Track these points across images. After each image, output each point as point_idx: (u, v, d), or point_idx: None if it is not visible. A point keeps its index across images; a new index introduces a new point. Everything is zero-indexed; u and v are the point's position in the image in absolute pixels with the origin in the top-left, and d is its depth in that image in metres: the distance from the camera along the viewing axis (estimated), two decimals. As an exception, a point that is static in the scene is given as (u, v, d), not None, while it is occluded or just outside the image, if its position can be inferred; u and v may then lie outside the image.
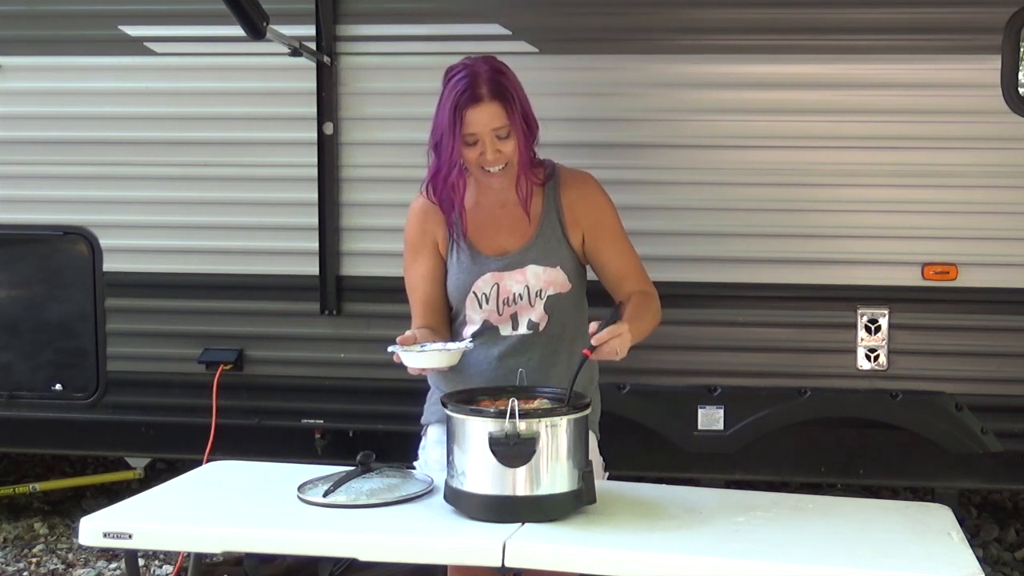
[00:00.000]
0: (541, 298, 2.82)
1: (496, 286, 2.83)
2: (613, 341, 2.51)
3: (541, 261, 2.83)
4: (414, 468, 2.86)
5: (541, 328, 2.84)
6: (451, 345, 2.69)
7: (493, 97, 2.68)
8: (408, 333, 2.67)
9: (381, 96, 3.89)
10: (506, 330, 2.84)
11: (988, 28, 3.63)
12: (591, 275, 2.94)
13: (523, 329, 2.84)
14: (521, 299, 2.83)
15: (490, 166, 2.73)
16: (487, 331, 2.84)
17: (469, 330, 2.86)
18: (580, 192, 2.87)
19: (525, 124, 2.75)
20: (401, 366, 2.63)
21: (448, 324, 2.91)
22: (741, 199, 3.76)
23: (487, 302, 2.84)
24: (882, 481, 4.24)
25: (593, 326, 2.55)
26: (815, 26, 3.71)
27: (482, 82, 2.68)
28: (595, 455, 2.81)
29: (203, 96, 3.97)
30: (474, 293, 2.84)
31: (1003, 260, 3.69)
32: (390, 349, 2.60)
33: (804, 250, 3.76)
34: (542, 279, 2.83)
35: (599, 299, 2.90)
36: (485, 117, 2.68)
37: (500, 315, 2.84)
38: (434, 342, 2.71)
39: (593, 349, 2.52)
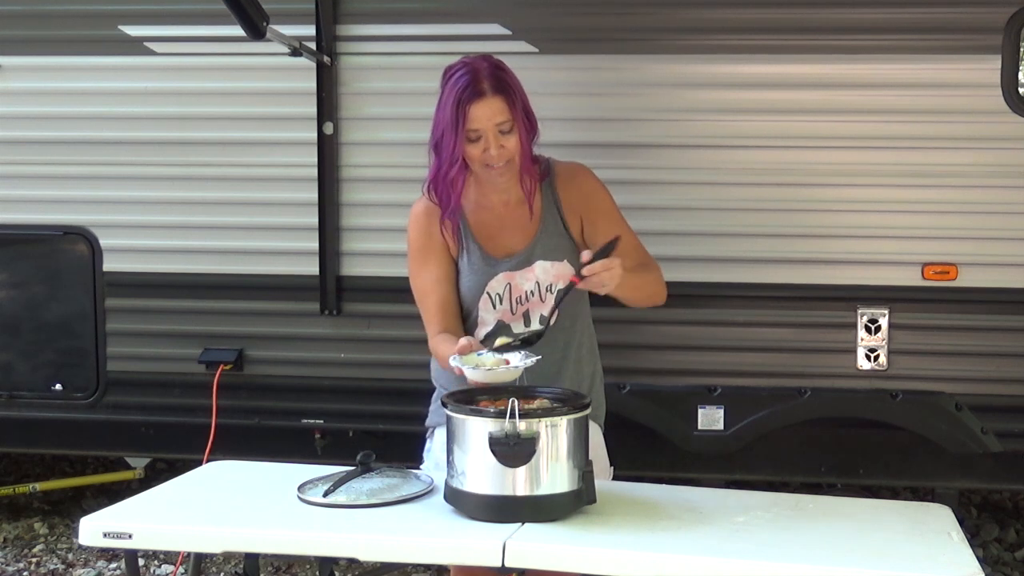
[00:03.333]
0: (551, 292, 2.83)
1: (509, 285, 2.84)
2: (604, 274, 2.54)
3: (548, 256, 2.84)
4: (419, 470, 2.85)
5: (552, 323, 2.83)
6: (516, 361, 2.60)
7: (496, 92, 2.69)
8: (463, 342, 2.60)
9: (381, 96, 3.89)
10: (519, 328, 2.84)
11: (988, 28, 3.62)
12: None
13: (535, 325, 2.84)
14: (533, 296, 2.84)
15: (494, 162, 2.73)
16: (501, 330, 2.84)
17: (481, 331, 2.86)
18: (573, 182, 2.89)
19: (526, 119, 2.76)
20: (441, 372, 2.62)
21: (463, 326, 2.90)
22: (741, 199, 3.76)
23: (501, 302, 2.84)
24: (882, 481, 4.23)
25: (586, 255, 2.56)
26: (815, 26, 3.71)
27: (484, 77, 2.69)
28: (601, 450, 2.82)
29: (203, 96, 3.96)
30: (488, 294, 2.85)
31: (1003, 260, 3.69)
32: (452, 363, 2.57)
33: (804, 250, 3.75)
34: (551, 274, 2.84)
35: (599, 297, 2.89)
36: (488, 112, 2.69)
37: (513, 314, 2.85)
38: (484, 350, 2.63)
39: (582, 278, 2.55)
